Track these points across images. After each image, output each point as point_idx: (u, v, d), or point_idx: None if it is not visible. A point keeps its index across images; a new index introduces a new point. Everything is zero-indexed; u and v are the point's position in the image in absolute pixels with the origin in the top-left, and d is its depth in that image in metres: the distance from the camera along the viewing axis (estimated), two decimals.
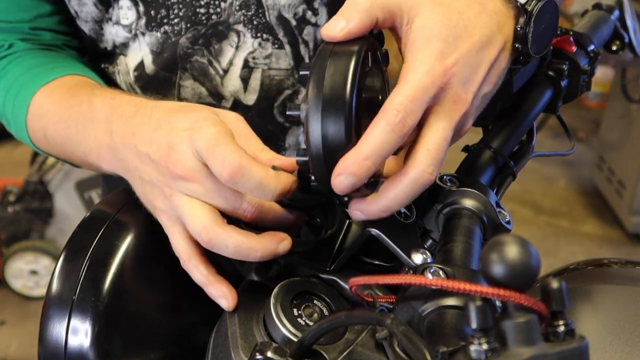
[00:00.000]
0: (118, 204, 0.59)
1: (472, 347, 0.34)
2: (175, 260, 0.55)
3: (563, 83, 0.71)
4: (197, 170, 0.50)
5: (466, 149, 0.63)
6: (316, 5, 0.78)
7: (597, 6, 0.87)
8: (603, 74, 3.41)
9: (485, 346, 0.34)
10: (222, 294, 0.53)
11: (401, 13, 0.49)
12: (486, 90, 0.51)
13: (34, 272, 2.35)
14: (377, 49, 0.50)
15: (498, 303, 0.36)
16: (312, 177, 0.48)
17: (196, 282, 0.54)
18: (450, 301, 0.43)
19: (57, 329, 0.53)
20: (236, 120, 0.56)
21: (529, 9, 0.53)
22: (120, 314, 0.55)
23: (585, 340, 0.35)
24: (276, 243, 0.51)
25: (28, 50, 0.77)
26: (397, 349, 0.44)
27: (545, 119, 2.63)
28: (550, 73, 0.70)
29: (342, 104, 0.44)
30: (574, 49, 0.72)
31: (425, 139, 0.47)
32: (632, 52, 0.89)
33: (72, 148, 0.65)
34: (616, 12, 0.87)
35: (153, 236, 0.56)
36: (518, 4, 0.53)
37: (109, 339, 0.53)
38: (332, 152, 0.45)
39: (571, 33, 0.74)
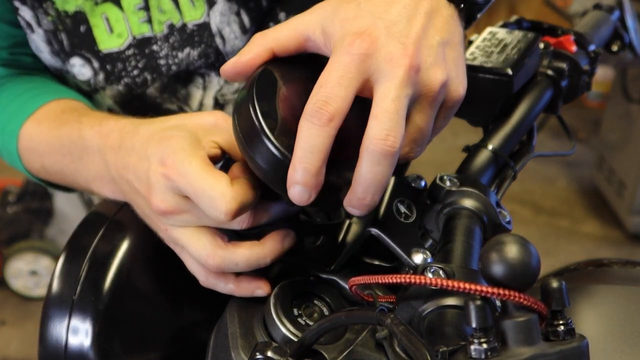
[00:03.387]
0: (118, 204, 0.59)
1: (472, 347, 0.34)
2: (175, 260, 0.55)
3: (563, 83, 0.71)
4: (180, 205, 0.50)
5: (466, 149, 0.63)
6: None
7: (597, 6, 0.87)
8: (603, 74, 3.41)
9: (485, 346, 0.34)
10: (253, 289, 0.53)
11: (301, 31, 0.48)
12: (440, 38, 0.48)
13: (34, 272, 2.34)
14: (298, 57, 0.50)
15: (498, 303, 0.36)
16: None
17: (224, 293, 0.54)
18: (450, 301, 0.43)
19: (57, 329, 0.53)
20: (214, 125, 0.54)
21: None
22: (120, 314, 0.55)
23: (585, 339, 0.35)
24: (280, 242, 0.52)
25: (11, 77, 0.76)
26: (397, 349, 0.44)
27: (545, 119, 2.63)
28: (551, 73, 0.70)
29: (258, 135, 0.45)
30: (574, 49, 0.72)
31: (372, 108, 0.45)
32: (632, 52, 0.89)
33: (71, 177, 0.65)
34: (616, 12, 0.87)
35: (153, 236, 0.56)
36: None
37: (109, 339, 0.53)
38: (279, 175, 0.46)
39: (571, 33, 0.74)
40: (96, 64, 0.74)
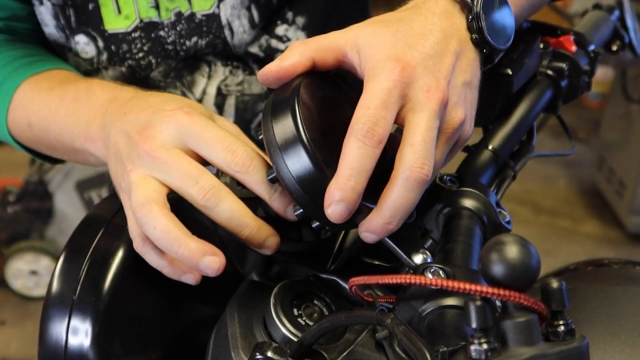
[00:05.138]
0: (118, 204, 0.59)
1: (472, 347, 0.34)
2: None
3: (563, 83, 0.71)
4: (165, 147, 0.50)
5: (466, 149, 0.63)
6: (280, 32, 0.78)
7: (597, 6, 0.87)
8: (603, 74, 3.41)
9: (485, 346, 0.34)
10: (181, 274, 0.51)
11: (340, 46, 0.49)
12: (464, 79, 0.50)
13: (34, 272, 2.34)
14: (326, 75, 0.51)
15: (498, 303, 0.36)
16: (315, 222, 0.48)
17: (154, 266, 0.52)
18: (450, 301, 0.43)
19: (57, 329, 0.53)
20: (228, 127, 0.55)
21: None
22: (120, 314, 0.54)
23: (586, 340, 0.35)
24: (202, 254, 0.48)
25: (6, 42, 0.76)
26: (397, 349, 0.44)
27: (545, 119, 2.63)
28: (551, 73, 0.70)
29: (301, 151, 0.45)
30: (574, 49, 0.72)
31: (407, 135, 0.46)
32: (632, 52, 0.89)
33: (57, 132, 0.64)
34: (616, 12, 0.87)
35: None
36: None
37: (109, 339, 0.53)
38: (316, 192, 0.45)
39: (571, 33, 0.74)
40: (101, 43, 0.75)
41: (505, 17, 0.55)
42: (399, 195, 0.45)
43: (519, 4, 0.60)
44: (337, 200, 0.44)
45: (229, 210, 0.50)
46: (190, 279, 0.51)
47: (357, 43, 0.49)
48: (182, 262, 0.49)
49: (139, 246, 0.52)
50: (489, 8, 0.53)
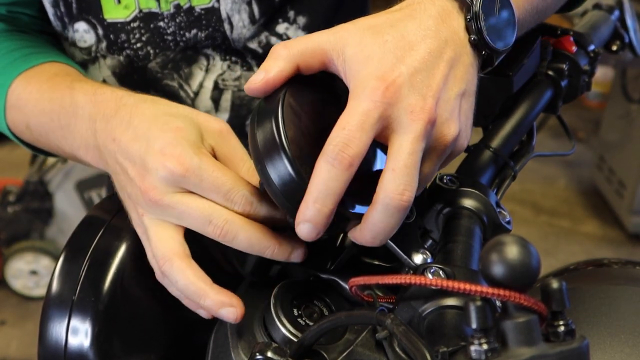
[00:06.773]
0: (118, 203, 0.59)
1: (472, 347, 0.34)
2: None
3: (563, 83, 0.71)
4: (170, 199, 0.50)
5: (466, 149, 0.63)
6: (280, 30, 0.78)
7: (597, 6, 0.87)
8: (603, 74, 3.41)
9: (485, 346, 0.34)
10: (196, 307, 0.51)
11: (326, 51, 0.47)
12: (458, 90, 0.48)
13: (34, 272, 2.34)
14: (314, 76, 0.50)
15: (498, 303, 0.36)
16: None
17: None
18: (450, 301, 0.43)
19: (57, 329, 0.53)
20: (219, 133, 0.54)
21: None
22: (120, 314, 0.55)
23: (586, 340, 0.35)
24: (222, 303, 0.50)
25: (5, 32, 0.76)
26: (397, 349, 0.44)
27: (545, 119, 2.63)
28: (551, 73, 0.70)
29: (280, 158, 0.45)
30: (574, 49, 0.72)
31: (389, 159, 0.45)
32: (632, 52, 0.89)
33: (56, 141, 0.64)
34: (616, 12, 0.87)
35: None
36: None
37: (109, 339, 0.53)
38: (298, 199, 0.45)
39: (571, 33, 0.74)
40: (100, 31, 0.75)
41: (507, 18, 0.53)
42: (379, 220, 0.45)
43: (522, 7, 0.57)
44: (304, 220, 0.44)
45: (247, 240, 0.50)
46: (205, 314, 0.52)
47: (344, 52, 0.47)
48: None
49: (159, 278, 0.53)
50: (490, 8, 0.50)
